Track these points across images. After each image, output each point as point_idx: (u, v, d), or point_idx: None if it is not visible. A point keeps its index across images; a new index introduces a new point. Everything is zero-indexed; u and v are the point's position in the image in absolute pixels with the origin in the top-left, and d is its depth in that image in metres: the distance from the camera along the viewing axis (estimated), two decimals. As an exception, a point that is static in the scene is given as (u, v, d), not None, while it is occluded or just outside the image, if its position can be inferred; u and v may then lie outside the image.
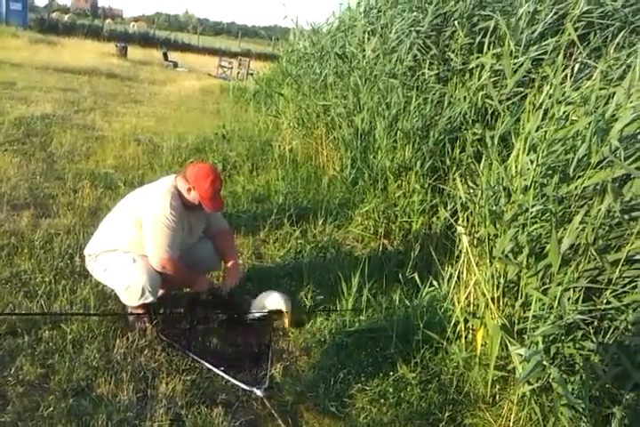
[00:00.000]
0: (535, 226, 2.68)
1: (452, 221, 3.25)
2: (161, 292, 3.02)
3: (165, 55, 20.21)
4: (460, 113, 4.27)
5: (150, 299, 2.72)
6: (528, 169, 2.84)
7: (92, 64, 14.18)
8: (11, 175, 4.80)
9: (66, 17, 33.18)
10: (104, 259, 2.83)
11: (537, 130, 3.01)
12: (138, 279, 2.66)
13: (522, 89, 4.01)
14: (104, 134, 6.89)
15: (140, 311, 2.89)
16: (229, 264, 3.06)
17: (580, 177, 2.61)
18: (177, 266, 2.73)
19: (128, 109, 9.17)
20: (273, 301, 3.02)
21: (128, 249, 2.79)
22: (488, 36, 4.48)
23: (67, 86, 10.55)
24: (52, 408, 2.20)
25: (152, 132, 7.40)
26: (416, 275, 3.22)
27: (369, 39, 5.88)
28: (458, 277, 2.96)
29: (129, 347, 2.68)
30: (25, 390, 2.30)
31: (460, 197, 3.12)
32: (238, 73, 18.08)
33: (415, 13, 5.36)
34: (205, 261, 3.12)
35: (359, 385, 2.61)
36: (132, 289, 2.69)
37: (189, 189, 2.79)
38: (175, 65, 19.42)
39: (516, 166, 3.01)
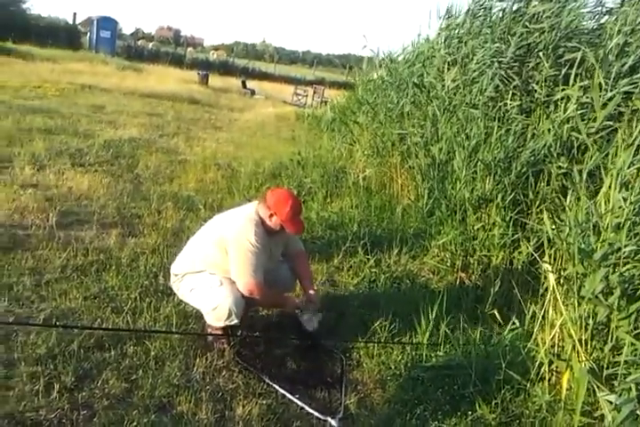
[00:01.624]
0: (628, 266, 2.57)
1: (536, 256, 3.15)
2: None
3: (244, 83, 20.97)
4: (544, 146, 4.17)
5: (235, 321, 2.79)
6: (620, 207, 2.73)
7: (175, 90, 14.90)
8: (100, 195, 5.08)
9: (150, 44, 35.17)
10: (190, 280, 2.93)
11: (629, 166, 2.90)
12: (225, 301, 2.73)
13: (611, 123, 3.88)
14: (186, 158, 7.20)
15: (219, 333, 2.95)
16: (310, 293, 3.12)
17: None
18: (263, 290, 2.78)
19: (209, 135, 9.55)
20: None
21: (213, 272, 2.88)
22: (575, 67, 4.39)
23: (152, 111, 11.13)
24: (135, 423, 2.26)
25: (231, 157, 7.65)
26: (496, 312, 3.13)
27: (449, 69, 5.88)
28: (542, 317, 2.86)
29: (208, 367, 2.74)
30: (110, 403, 2.38)
31: (547, 233, 3.02)
32: (313, 101, 18.49)
33: (497, 44, 5.33)
34: (283, 282, 3.20)
35: (436, 423, 2.53)
36: (219, 310, 2.76)
37: (271, 216, 2.87)
38: (253, 92, 20.09)
39: (607, 203, 2.90)
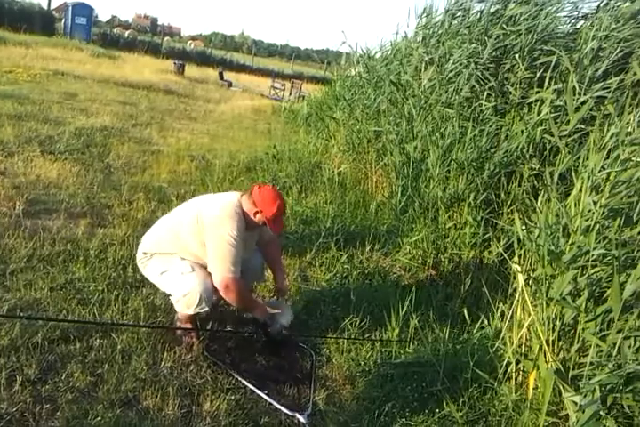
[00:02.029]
0: (596, 269, 2.61)
1: (505, 256, 3.19)
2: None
3: (221, 74, 20.76)
4: (517, 147, 4.23)
5: (205, 309, 2.76)
6: (590, 210, 2.78)
7: (150, 80, 14.67)
8: (70, 184, 4.97)
9: (127, 33, 34.51)
10: (160, 262, 2.86)
11: (600, 170, 2.95)
12: (196, 288, 2.70)
13: (583, 126, 3.95)
14: (159, 149, 7.09)
15: (189, 326, 2.92)
16: (280, 280, 3.17)
17: (644, 221, 2.54)
18: (239, 286, 2.74)
19: (183, 126, 9.42)
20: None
21: (185, 256, 2.84)
22: (549, 71, 4.46)
23: (126, 100, 10.93)
24: (99, 418, 2.22)
25: (205, 149, 7.56)
26: (465, 310, 3.16)
27: (426, 68, 5.92)
28: (511, 316, 2.89)
29: (176, 361, 2.70)
30: (74, 397, 2.33)
31: (517, 233, 3.06)
32: (290, 95, 18.41)
33: (474, 45, 5.38)
34: (254, 272, 3.19)
35: (404, 420, 2.54)
36: (190, 297, 2.71)
37: (256, 213, 2.83)
38: (230, 84, 19.91)
39: (577, 206, 2.95)
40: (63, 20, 27.11)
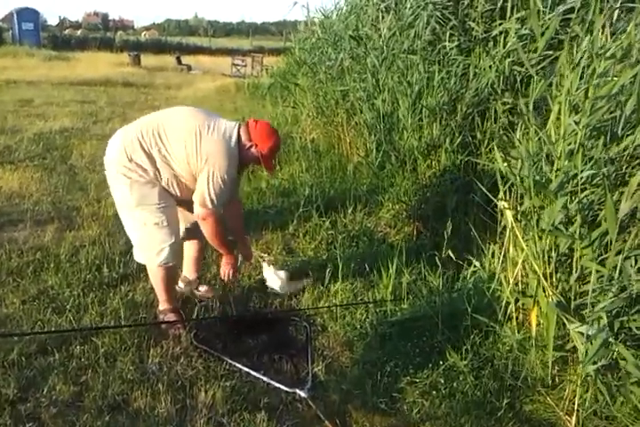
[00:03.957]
0: (586, 193, 2.46)
1: (490, 196, 3.02)
2: (194, 276, 3.14)
3: (179, 59, 20.31)
4: (487, 83, 4.03)
5: (171, 264, 2.69)
6: (573, 131, 2.60)
7: (106, 75, 14.28)
8: (33, 191, 4.76)
9: (78, 32, 33.65)
10: (138, 190, 2.61)
11: (577, 89, 2.76)
12: (168, 242, 2.63)
13: (551, 52, 3.75)
14: (123, 142, 6.83)
15: (173, 318, 2.78)
16: (242, 243, 3.09)
17: (629, 135, 2.37)
18: (216, 223, 2.63)
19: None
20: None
21: (164, 182, 2.63)
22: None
23: (84, 99, 10.60)
24: (87, 427, 2.08)
25: (171, 135, 7.31)
26: (453, 256, 3.00)
27: (383, 17, 5.65)
28: (504, 255, 2.75)
29: (164, 356, 2.55)
30: (59, 410, 2.18)
31: (499, 170, 2.88)
32: (253, 69, 18.00)
33: (430, -16, 5.10)
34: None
35: (408, 378, 2.43)
36: (159, 250, 2.64)
37: (251, 146, 2.64)
38: (189, 68, 19.46)
39: (557, 130, 2.78)
40: (10, 30, 26.36)
